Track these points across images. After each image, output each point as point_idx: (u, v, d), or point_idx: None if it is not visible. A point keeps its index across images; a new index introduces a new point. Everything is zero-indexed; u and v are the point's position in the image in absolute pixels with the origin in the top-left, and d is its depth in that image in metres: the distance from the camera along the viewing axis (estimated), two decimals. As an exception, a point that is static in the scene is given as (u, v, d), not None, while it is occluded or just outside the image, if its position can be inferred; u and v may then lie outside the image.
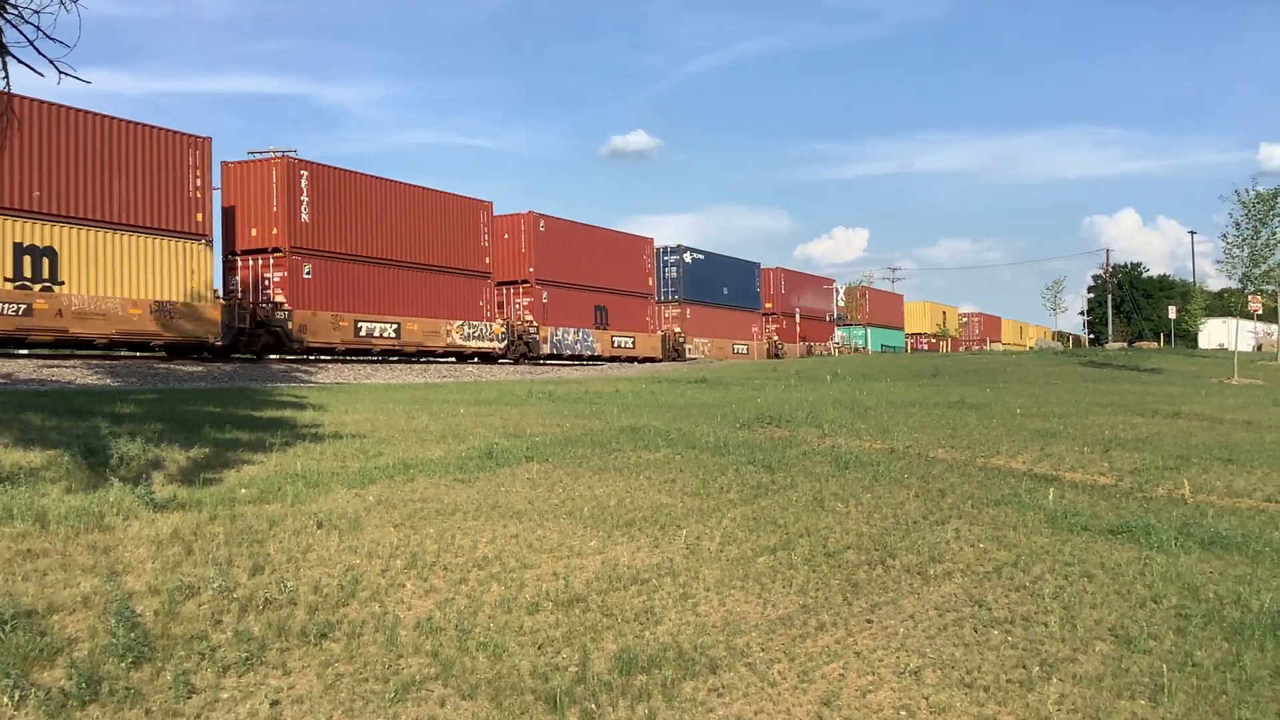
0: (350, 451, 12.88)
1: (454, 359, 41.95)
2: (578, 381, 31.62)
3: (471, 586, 7.55)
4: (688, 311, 59.20)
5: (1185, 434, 17.61)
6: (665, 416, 18.51)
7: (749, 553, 8.69)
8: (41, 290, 26.35)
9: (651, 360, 53.94)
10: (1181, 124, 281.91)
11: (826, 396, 25.33)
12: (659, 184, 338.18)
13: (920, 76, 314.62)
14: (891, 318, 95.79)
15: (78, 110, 27.51)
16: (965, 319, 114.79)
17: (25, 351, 28.85)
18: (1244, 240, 38.51)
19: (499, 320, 43.12)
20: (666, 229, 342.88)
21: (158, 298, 29.11)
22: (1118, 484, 12.73)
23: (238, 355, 32.83)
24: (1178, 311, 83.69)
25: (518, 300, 45.26)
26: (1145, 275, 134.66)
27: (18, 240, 25.99)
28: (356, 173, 37.02)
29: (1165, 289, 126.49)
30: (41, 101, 26.39)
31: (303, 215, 33.97)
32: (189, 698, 5.69)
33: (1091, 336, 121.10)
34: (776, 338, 71.25)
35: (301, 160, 34.39)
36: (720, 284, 63.11)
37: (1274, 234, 38.12)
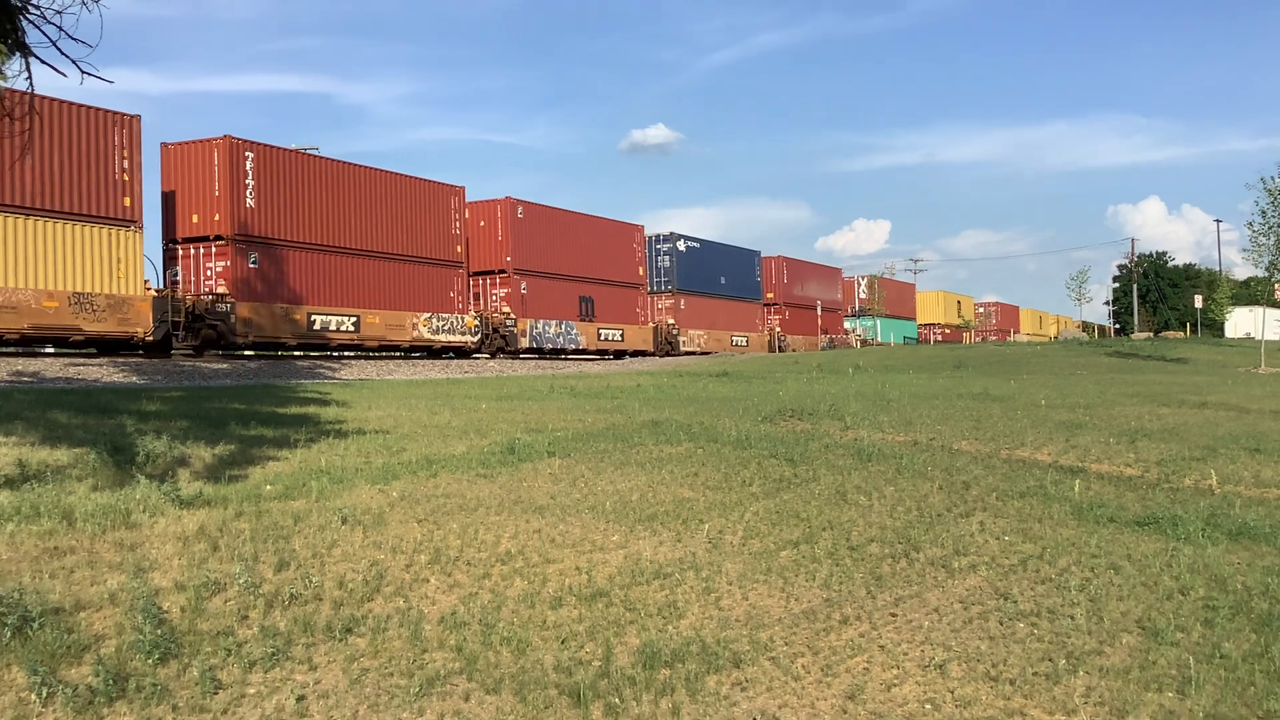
0: (374, 447, 12.92)
1: (423, 353, 39.98)
2: (599, 376, 31.64)
3: (495, 581, 7.57)
4: (682, 302, 56.72)
5: (1212, 424, 17.46)
6: (687, 410, 18.50)
7: (772, 546, 8.67)
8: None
9: (642, 354, 51.96)
10: (1207, 111, 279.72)
11: (849, 389, 25.26)
12: (679, 177, 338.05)
13: (941, 66, 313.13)
14: (903, 308, 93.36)
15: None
16: (982, 309, 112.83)
17: (51, 349, 29.00)
18: (1270, 228, 38.10)
19: (472, 312, 41.08)
20: (687, 222, 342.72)
21: (78, 289, 26.74)
22: (1144, 475, 12.64)
23: (177, 351, 30.77)
24: (1204, 301, 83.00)
25: (494, 291, 42.97)
26: (1171, 264, 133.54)
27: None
28: (310, 155, 35.19)
29: (1191, 278, 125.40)
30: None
31: (248, 200, 31.77)
32: (215, 694, 5.73)
33: (1117, 327, 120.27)
34: (779, 329, 68.49)
35: (246, 141, 32.04)
36: (717, 273, 60.52)
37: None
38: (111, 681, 5.62)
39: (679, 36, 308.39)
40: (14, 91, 12.00)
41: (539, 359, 44.68)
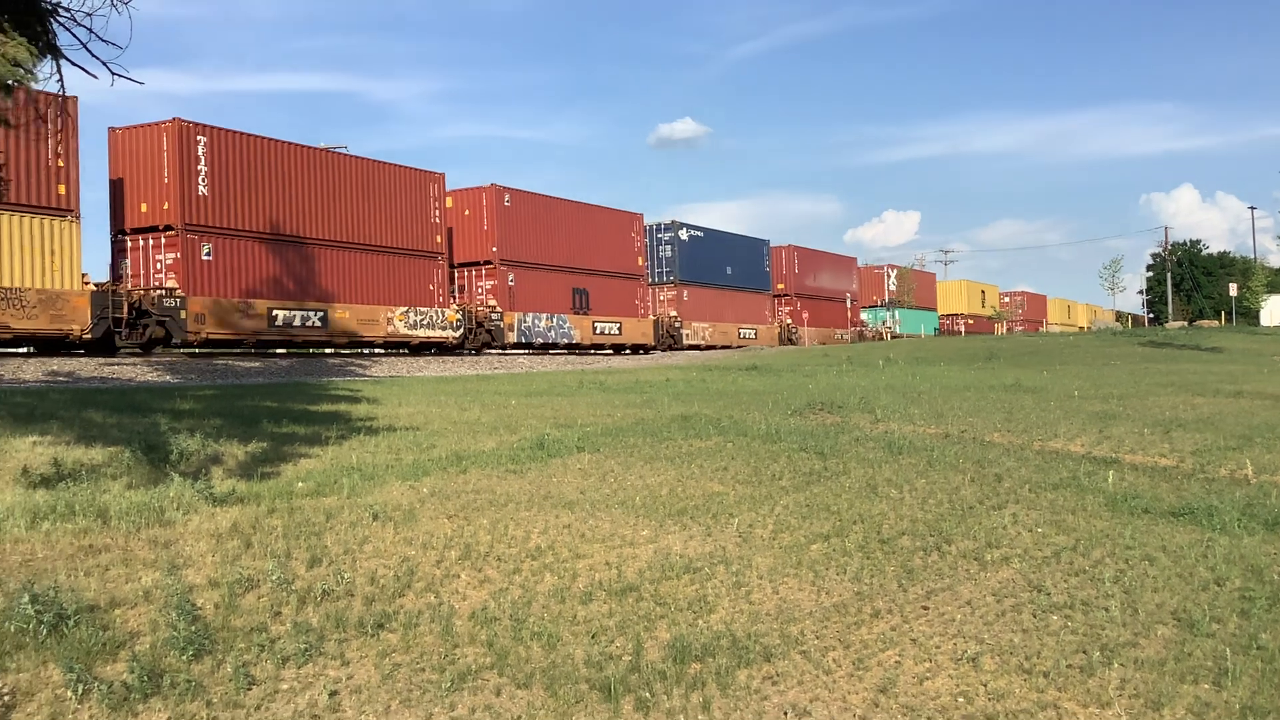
0: (404, 444, 12.98)
1: (405, 350, 37.99)
2: (629, 371, 31.66)
3: (525, 576, 7.58)
4: (685, 294, 54.25)
5: (1248, 413, 17.27)
6: (716, 404, 18.47)
7: (802, 540, 8.64)
8: None
9: (642, 348, 49.69)
10: (1240, 98, 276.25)
11: (879, 382, 25.15)
12: (707, 171, 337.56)
13: (969, 56, 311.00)
14: (923, 298, 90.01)
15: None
16: (1007, 298, 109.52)
17: (83, 350, 29.21)
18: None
19: (453, 306, 38.62)
20: (716, 215, 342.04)
21: (3, 284, 24.88)
22: (1179, 465, 12.51)
23: (124, 348, 28.83)
24: (1239, 289, 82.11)
25: (480, 283, 40.54)
26: (1205, 252, 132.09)
27: None
28: (270, 139, 32.41)
29: (1226, 266, 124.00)
30: None
31: (200, 188, 29.62)
32: (249, 689, 5.77)
33: (1151, 316, 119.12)
34: (790, 321, 65.76)
35: (197, 124, 29.88)
36: (723, 264, 57.94)
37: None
38: (146, 678, 5.67)
39: (705, 28, 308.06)
40: (48, 94, 12.12)
41: (529, 354, 42.60)
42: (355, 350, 37.59)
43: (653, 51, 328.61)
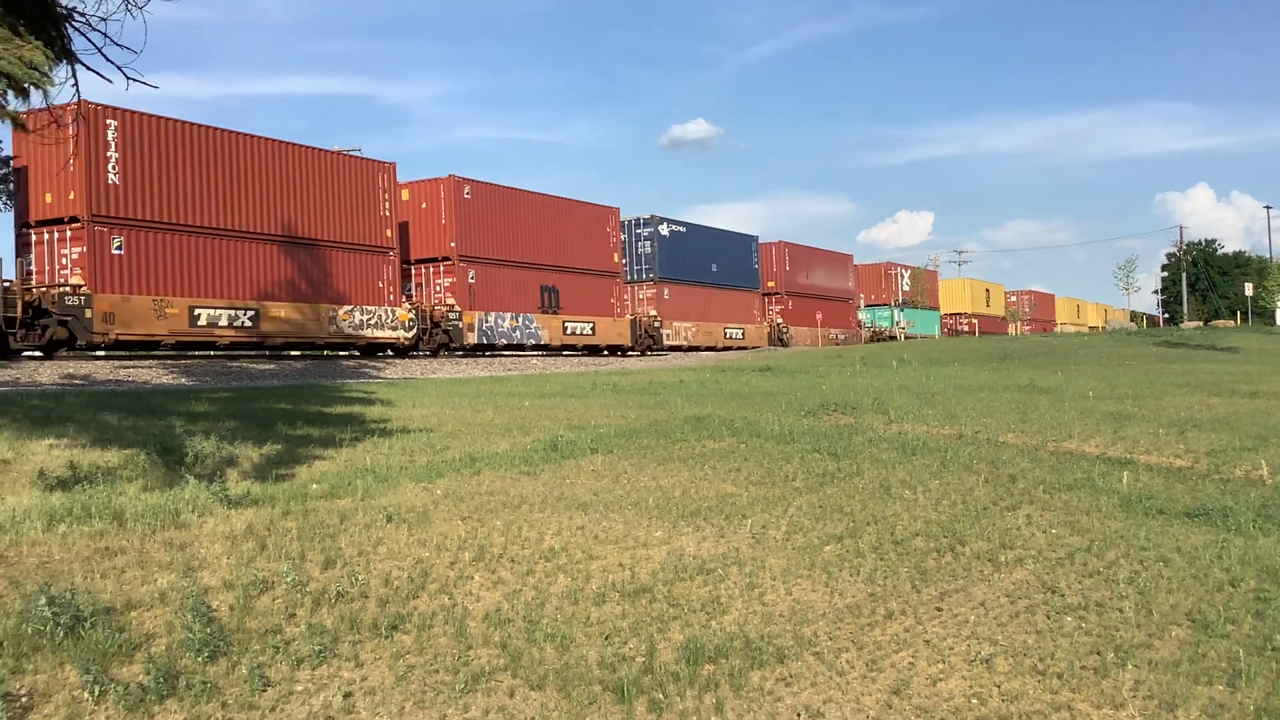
0: (418, 446, 13.02)
1: (356, 353, 36.02)
2: (642, 372, 31.67)
3: (538, 578, 7.60)
4: (665, 292, 51.26)
5: (1263, 414, 17.18)
6: (729, 405, 18.47)
7: (815, 541, 8.64)
8: None
9: (619, 349, 47.14)
10: (1255, 97, 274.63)
11: (892, 383, 25.11)
12: (719, 172, 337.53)
13: (982, 56, 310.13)
14: (927, 297, 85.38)
15: None
16: (1014, 297, 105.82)
17: (103, 353, 29.30)
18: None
19: (405, 305, 36.10)
20: (728, 217, 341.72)
21: None
22: (1194, 466, 12.47)
23: (22, 351, 26.64)
24: (1254, 288, 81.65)
25: (438, 281, 38.10)
26: (1220, 252, 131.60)
27: None
28: (191, 123, 29.87)
29: (1241, 265, 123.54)
30: None
31: (110, 176, 27.13)
32: (264, 691, 5.80)
33: (1166, 316, 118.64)
34: (781, 320, 62.65)
35: (106, 106, 27.21)
36: (707, 260, 55.22)
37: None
38: (162, 680, 5.70)
39: (718, 29, 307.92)
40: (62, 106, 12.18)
41: (491, 356, 40.02)
42: (362, 354, 36.74)
43: (666, 53, 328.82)
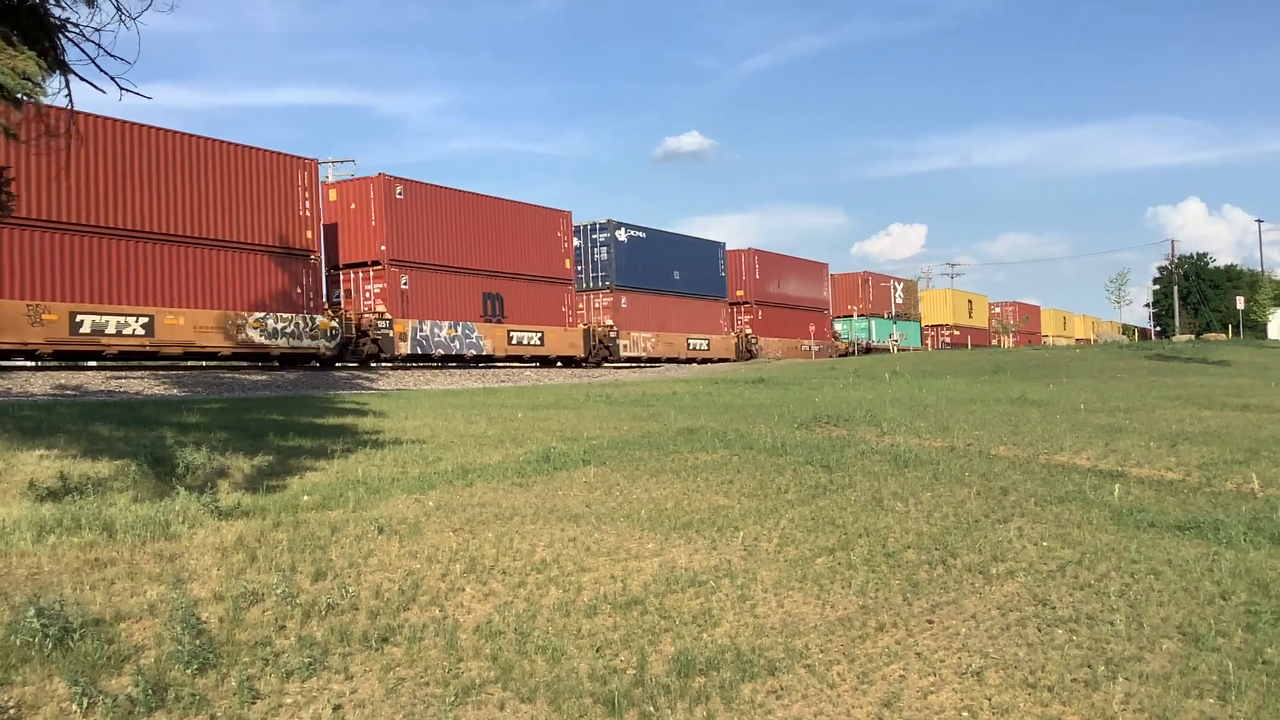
0: (410, 457, 13.00)
1: (277, 364, 32.97)
2: (635, 384, 31.66)
3: (530, 590, 7.59)
4: (623, 300, 48.10)
5: (1254, 427, 17.23)
6: (722, 418, 18.47)
7: (807, 553, 8.64)
8: None
9: (571, 361, 44.52)
10: (1246, 111, 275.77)
11: (885, 395, 25.14)
12: (713, 185, 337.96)
13: (976, 70, 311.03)
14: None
15: None
16: (998, 308, 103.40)
17: (94, 363, 29.19)
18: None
19: (327, 312, 33.53)
20: (721, 229, 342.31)
21: None
22: (1185, 479, 12.49)
23: None
24: (1246, 302, 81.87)
25: (368, 287, 35.56)
26: (1212, 265, 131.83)
27: None
28: (81, 113, 26.37)
29: (1233, 279, 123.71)
30: None
31: None
32: (253, 703, 5.78)
33: (1158, 329, 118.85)
34: (750, 331, 59.33)
35: None
36: (669, 267, 52.05)
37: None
38: (151, 691, 5.68)
39: (714, 43, 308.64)
40: (55, 108, 12.19)
41: (425, 368, 37.36)
42: (355, 365, 35.73)
43: (662, 65, 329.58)
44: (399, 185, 36.04)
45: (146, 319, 27.84)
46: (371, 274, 35.55)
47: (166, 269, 28.58)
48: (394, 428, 16.24)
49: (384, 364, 36.13)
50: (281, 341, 31.73)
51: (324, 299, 33.96)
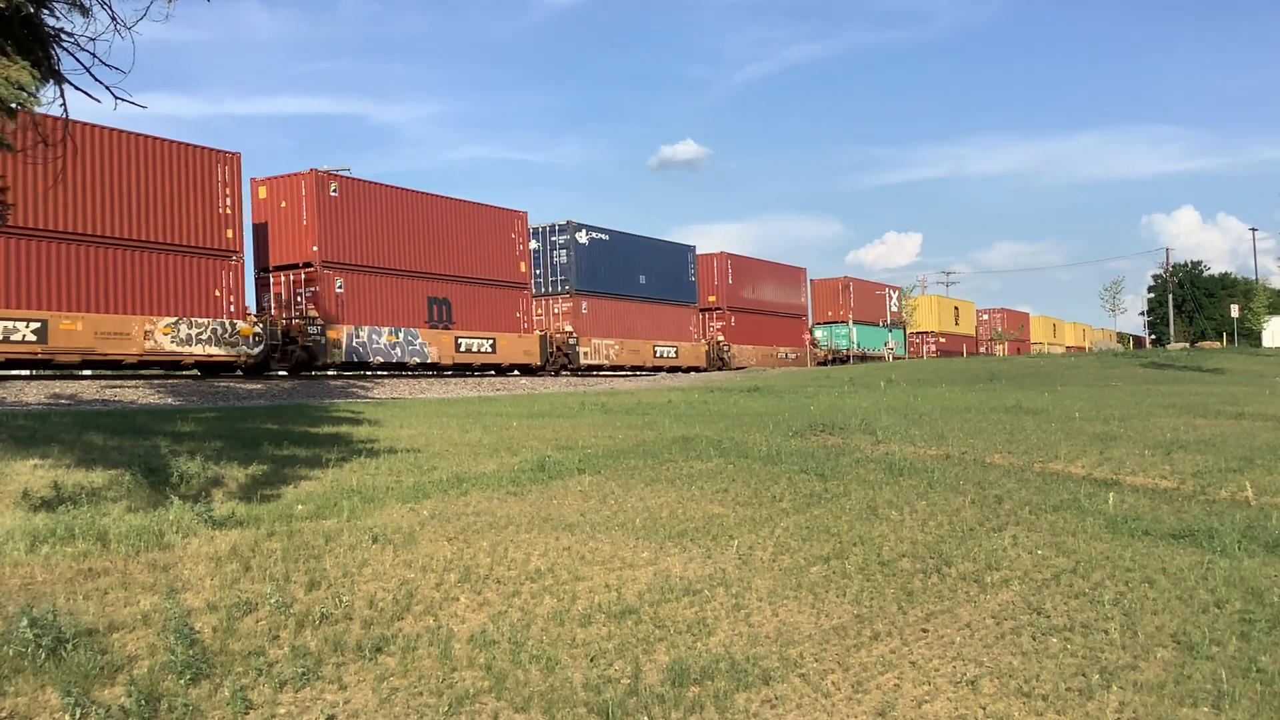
0: (405, 466, 12.98)
1: (197, 371, 30.98)
2: (630, 393, 31.66)
3: (524, 599, 7.58)
4: (584, 305, 45.62)
5: (1249, 435, 17.25)
6: (717, 426, 18.47)
7: (802, 562, 8.64)
8: None
9: (526, 369, 42.25)
10: (1239, 120, 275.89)
11: (880, 403, 25.14)
12: (708, 193, 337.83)
13: (970, 79, 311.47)
14: (884, 314, 78.96)
15: None
16: (985, 315, 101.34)
17: (89, 372, 29.05)
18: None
19: (249, 318, 31.04)
20: (716, 238, 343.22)
21: None
22: (1180, 487, 12.51)
23: None
24: (1240, 310, 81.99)
25: (300, 290, 33.05)
26: (1206, 274, 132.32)
27: None
28: None
29: (1227, 287, 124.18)
30: None
31: None
32: (247, 714, 5.76)
33: (1153, 337, 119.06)
34: (722, 338, 56.89)
35: None
36: (634, 271, 49.50)
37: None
38: (144, 702, 5.67)
39: (709, 52, 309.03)
40: (48, 117, 12.18)
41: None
42: (351, 374, 35.07)
43: (657, 74, 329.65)
44: (333, 182, 33.86)
45: (38, 324, 25.34)
46: (304, 276, 33.15)
47: (62, 270, 26.16)
48: (389, 436, 16.21)
49: (316, 372, 34.15)
50: (196, 349, 29.35)
51: (248, 303, 31.64)
